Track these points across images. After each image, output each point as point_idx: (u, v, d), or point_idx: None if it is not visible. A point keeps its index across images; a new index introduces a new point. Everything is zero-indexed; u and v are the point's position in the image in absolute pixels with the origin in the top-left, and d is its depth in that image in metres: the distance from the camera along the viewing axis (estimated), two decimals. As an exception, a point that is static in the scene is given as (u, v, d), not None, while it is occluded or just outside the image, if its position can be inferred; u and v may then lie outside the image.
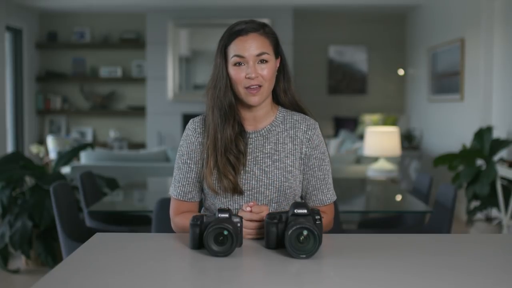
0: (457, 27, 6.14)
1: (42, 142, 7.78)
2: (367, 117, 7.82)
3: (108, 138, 8.05)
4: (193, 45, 7.82)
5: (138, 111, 7.99)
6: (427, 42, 7.16)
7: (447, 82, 6.41)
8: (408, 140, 7.34)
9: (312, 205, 1.79)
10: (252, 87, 1.68)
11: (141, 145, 7.98)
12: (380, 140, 5.07)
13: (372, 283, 1.29)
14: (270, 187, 1.72)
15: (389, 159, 5.40)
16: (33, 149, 5.09)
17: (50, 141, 6.83)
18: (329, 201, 1.81)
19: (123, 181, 4.37)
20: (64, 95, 8.11)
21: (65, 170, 4.92)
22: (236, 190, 1.70)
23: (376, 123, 7.62)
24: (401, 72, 8.29)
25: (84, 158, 5.13)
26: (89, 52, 8.08)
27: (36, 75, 7.91)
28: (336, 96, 8.36)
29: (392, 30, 8.29)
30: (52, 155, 6.55)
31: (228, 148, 1.70)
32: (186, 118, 7.69)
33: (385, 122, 7.68)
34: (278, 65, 1.76)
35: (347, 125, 8.04)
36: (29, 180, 4.43)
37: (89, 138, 8.05)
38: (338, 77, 8.36)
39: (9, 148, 7.20)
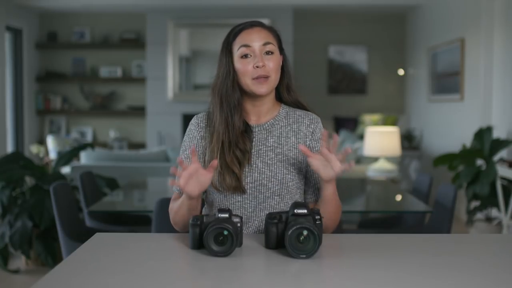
0: (457, 27, 6.14)
1: (42, 142, 7.78)
2: (367, 117, 7.82)
3: (108, 138, 8.05)
4: (193, 45, 7.82)
5: (138, 111, 7.99)
6: (427, 42, 7.15)
7: (447, 82, 6.40)
8: (408, 140, 7.34)
9: (314, 200, 1.77)
10: (260, 77, 1.70)
11: (141, 145, 7.98)
12: (380, 140, 5.07)
13: (372, 283, 1.29)
14: (272, 180, 1.72)
15: (389, 159, 5.40)
16: (33, 149, 5.09)
17: (50, 141, 6.83)
18: None
19: (123, 181, 4.37)
20: (64, 95, 8.11)
21: (65, 170, 4.91)
22: (238, 188, 1.70)
23: (376, 123, 7.62)
24: (401, 72, 8.29)
25: (84, 158, 5.13)
26: (89, 52, 8.08)
27: (36, 75, 7.91)
28: (336, 96, 8.36)
29: (392, 30, 8.29)
30: (52, 155, 6.55)
31: (237, 143, 1.71)
32: (186, 118, 7.69)
33: (385, 122, 7.68)
34: (281, 62, 1.78)
35: (347, 125, 8.03)
36: (29, 180, 4.43)
37: (89, 138, 8.05)
38: (338, 77, 8.36)
39: (9, 148, 7.19)
